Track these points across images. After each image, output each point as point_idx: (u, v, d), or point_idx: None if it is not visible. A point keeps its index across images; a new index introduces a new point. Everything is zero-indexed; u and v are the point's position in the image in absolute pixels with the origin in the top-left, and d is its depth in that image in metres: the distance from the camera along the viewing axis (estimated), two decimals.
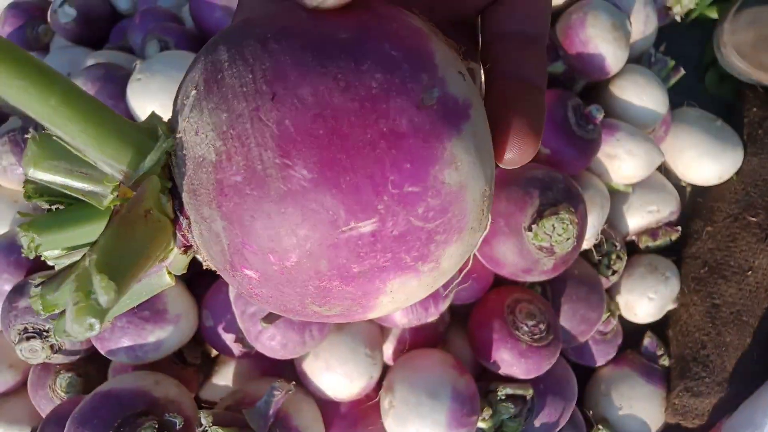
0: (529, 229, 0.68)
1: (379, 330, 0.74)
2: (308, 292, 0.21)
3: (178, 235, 0.23)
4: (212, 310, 0.68)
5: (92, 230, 0.22)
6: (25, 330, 0.67)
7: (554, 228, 0.67)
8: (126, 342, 0.64)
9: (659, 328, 0.98)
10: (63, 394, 0.71)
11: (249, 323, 0.62)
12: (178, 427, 0.60)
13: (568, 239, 0.67)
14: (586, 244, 0.83)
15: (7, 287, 0.73)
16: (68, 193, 0.22)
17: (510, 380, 0.77)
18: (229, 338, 0.69)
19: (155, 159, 0.22)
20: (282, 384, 0.64)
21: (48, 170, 0.21)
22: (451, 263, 0.23)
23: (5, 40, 0.18)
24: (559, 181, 0.71)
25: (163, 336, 0.65)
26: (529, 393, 0.76)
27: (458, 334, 0.83)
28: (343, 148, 0.19)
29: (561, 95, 0.80)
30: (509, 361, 0.74)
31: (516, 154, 0.24)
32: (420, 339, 0.78)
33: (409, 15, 0.24)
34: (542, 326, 0.76)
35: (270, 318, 0.58)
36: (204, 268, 0.25)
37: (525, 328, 0.75)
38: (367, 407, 0.74)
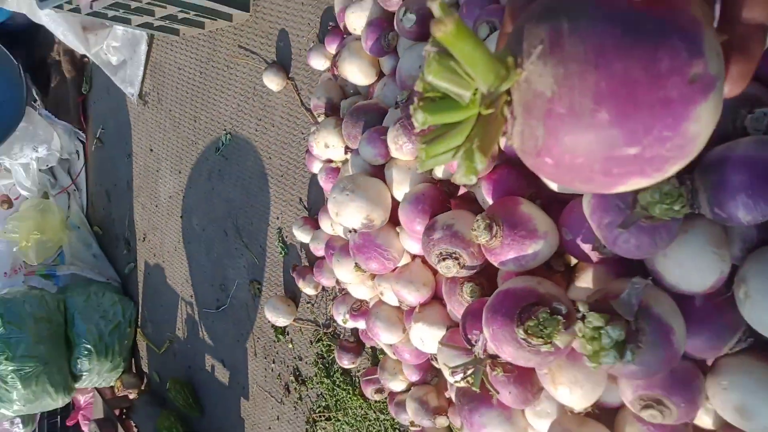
0: None
1: (723, 230, 0.82)
2: (579, 177, 0.34)
3: (505, 126, 0.36)
4: (569, 226, 0.87)
5: (456, 115, 0.35)
6: (440, 254, 0.97)
7: None
8: (512, 254, 0.88)
9: None
10: (468, 298, 1.00)
11: (606, 231, 0.78)
12: (563, 312, 0.82)
13: None
14: None
15: (419, 228, 1.04)
16: (445, 92, 0.36)
17: None
18: (586, 247, 0.87)
19: (510, 84, 0.33)
20: (640, 279, 0.80)
21: (441, 78, 0.34)
22: (672, 172, 0.34)
23: (463, 25, 0.31)
24: None
25: (538, 248, 0.87)
26: None
27: None
28: (634, 105, 0.29)
29: None
30: None
31: (728, 92, 0.34)
32: None
33: (691, 3, 0.32)
34: None
35: (625, 223, 0.73)
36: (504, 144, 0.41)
37: None
38: (720, 300, 0.84)
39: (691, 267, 0.81)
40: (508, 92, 0.34)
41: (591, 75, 0.29)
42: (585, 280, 0.95)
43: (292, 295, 1.84)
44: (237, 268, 2.04)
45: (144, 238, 2.48)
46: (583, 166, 0.32)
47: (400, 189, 1.13)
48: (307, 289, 1.68)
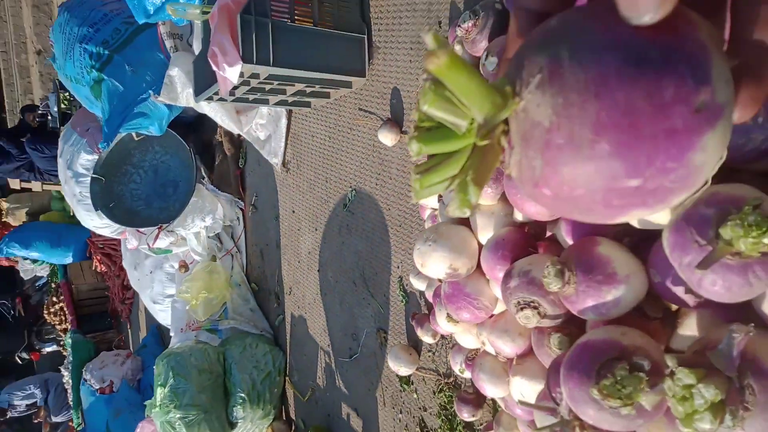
0: None
1: None
2: (578, 208, 0.32)
3: (502, 156, 0.36)
4: (656, 267, 0.77)
5: (452, 145, 0.35)
6: (518, 303, 0.91)
7: None
8: (590, 302, 0.79)
9: None
10: (557, 350, 0.92)
11: (688, 272, 0.68)
12: (646, 368, 0.71)
13: None
14: None
15: (500, 275, 1.00)
16: (441, 121, 0.35)
17: None
18: (679, 290, 0.76)
19: (507, 114, 0.33)
20: (739, 326, 0.67)
21: (435, 108, 0.34)
22: (676, 204, 0.32)
23: (458, 57, 0.32)
24: None
25: (618, 294, 0.78)
26: None
27: None
28: (635, 136, 0.28)
29: None
30: None
31: (739, 117, 0.32)
32: None
33: (698, 28, 0.30)
34: None
35: (704, 263, 0.63)
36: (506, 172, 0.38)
37: None
38: None
39: None
40: (506, 122, 0.34)
41: (591, 105, 0.29)
42: (689, 327, 0.82)
43: (415, 344, 1.85)
44: (365, 318, 2.12)
45: (290, 292, 2.69)
46: (582, 197, 0.31)
47: (485, 234, 1.10)
48: (426, 338, 1.68)
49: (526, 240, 1.02)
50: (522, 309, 0.91)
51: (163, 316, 3.42)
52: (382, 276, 2.02)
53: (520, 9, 0.39)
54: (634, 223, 0.81)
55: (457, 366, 1.46)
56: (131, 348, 5.06)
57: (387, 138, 1.94)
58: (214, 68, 2.00)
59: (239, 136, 3.12)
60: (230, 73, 1.98)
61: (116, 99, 2.95)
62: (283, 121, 2.66)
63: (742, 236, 0.62)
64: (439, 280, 1.13)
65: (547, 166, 0.31)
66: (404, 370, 1.77)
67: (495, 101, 0.32)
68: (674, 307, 0.85)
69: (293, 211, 2.65)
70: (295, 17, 2.10)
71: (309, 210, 2.50)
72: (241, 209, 3.17)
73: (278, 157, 2.70)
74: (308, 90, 2.24)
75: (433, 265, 1.10)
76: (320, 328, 2.44)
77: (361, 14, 2.19)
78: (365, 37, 2.16)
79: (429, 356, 1.77)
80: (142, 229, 3.15)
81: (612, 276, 0.79)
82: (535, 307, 0.90)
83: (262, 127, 2.77)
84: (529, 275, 0.90)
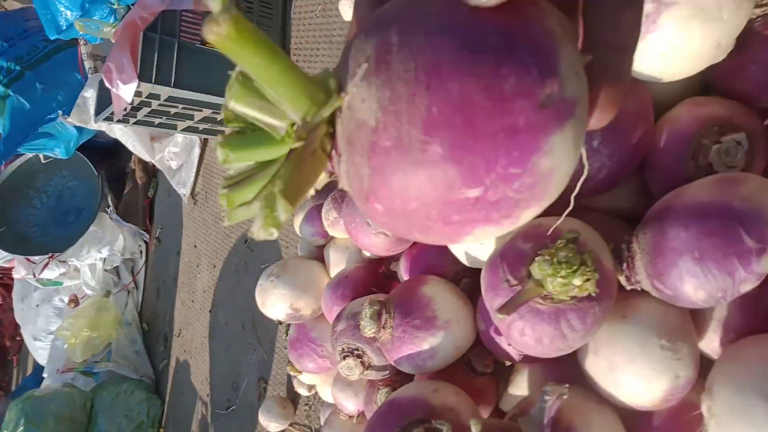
0: None
1: (682, 314, 0.58)
2: (416, 226, 0.27)
3: (329, 165, 0.30)
4: (481, 313, 0.67)
5: (268, 152, 0.29)
6: (342, 351, 0.79)
7: None
8: (405, 350, 0.68)
9: None
10: None
11: (497, 318, 0.58)
12: None
13: None
14: None
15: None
16: (255, 123, 0.30)
17: None
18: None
19: (328, 112, 0.28)
20: (554, 388, 0.57)
21: (244, 105, 0.28)
22: (528, 219, 0.28)
23: (251, 23, 0.25)
24: None
25: (436, 342, 0.67)
26: None
27: None
28: (471, 135, 0.24)
29: None
30: None
31: (596, 122, 0.29)
32: (759, 323, 0.57)
33: (546, 13, 0.27)
34: None
35: (507, 307, 0.53)
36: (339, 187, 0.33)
37: None
38: (690, 418, 0.58)
39: (629, 370, 0.57)
40: (332, 123, 0.29)
41: (421, 98, 0.25)
42: (519, 386, 0.72)
43: (295, 396, 1.69)
44: (249, 365, 1.95)
45: (179, 334, 2.49)
46: (417, 212, 0.27)
47: (336, 271, 0.98)
48: (301, 389, 1.52)
49: (374, 278, 0.91)
50: (345, 357, 0.78)
51: (43, 354, 3.09)
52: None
53: None
54: (463, 260, 0.72)
55: (323, 422, 1.31)
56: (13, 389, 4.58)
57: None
58: (107, 85, 1.88)
59: (153, 164, 2.98)
60: (124, 91, 1.87)
61: (20, 117, 2.78)
62: (197, 150, 2.54)
63: (551, 275, 0.53)
64: (280, 322, 1.00)
65: (375, 175, 0.27)
66: (274, 426, 1.60)
67: (315, 97, 0.27)
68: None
69: (195, 246, 2.48)
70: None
71: (210, 245, 2.35)
72: (145, 242, 2.96)
73: (187, 188, 2.56)
74: (219, 117, 2.15)
75: (273, 304, 0.97)
76: (202, 376, 2.24)
77: (282, 43, 2.14)
78: None
79: (305, 410, 1.61)
80: (33, 258, 2.89)
81: (431, 320, 0.68)
82: (359, 356, 0.78)
83: (175, 156, 2.64)
84: (357, 318, 0.79)
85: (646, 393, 0.56)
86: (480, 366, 0.73)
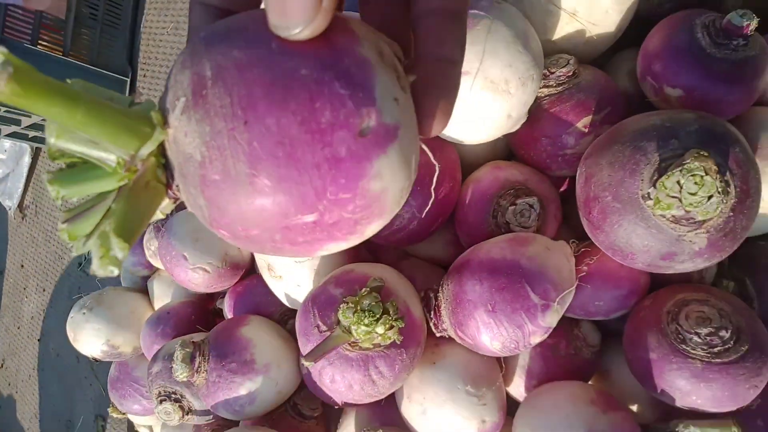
0: (647, 197, 0.49)
1: (488, 361, 0.59)
2: (266, 249, 0.28)
3: (170, 192, 0.29)
4: (303, 353, 0.64)
5: (101, 185, 0.28)
6: (159, 394, 0.72)
7: (681, 185, 0.46)
8: (221, 396, 0.63)
9: None
10: None
11: (306, 366, 0.55)
12: None
13: (709, 197, 0.46)
14: None
15: None
16: (82, 157, 0.28)
17: (700, 416, 0.53)
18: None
19: (152, 147, 0.27)
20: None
21: (67, 141, 0.26)
22: (375, 231, 0.29)
23: (38, 74, 0.23)
24: (688, 123, 0.50)
25: (254, 387, 0.63)
26: None
27: (622, 360, 0.62)
28: (296, 168, 0.25)
29: (684, 17, 0.59)
30: (683, 388, 0.52)
31: (426, 132, 0.30)
32: (557, 370, 0.60)
33: (360, 42, 0.27)
34: (725, 333, 0.52)
35: (313, 354, 0.50)
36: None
37: (696, 339, 0.52)
38: None
39: (439, 414, 0.57)
40: (164, 153, 0.28)
41: (241, 134, 0.25)
42: (347, 429, 0.69)
43: None
44: (85, 402, 1.75)
45: (2, 365, 2.18)
46: (261, 237, 0.27)
47: (161, 305, 0.90)
48: (142, 429, 1.39)
49: (201, 315, 0.84)
50: (161, 402, 0.71)
51: None
52: None
53: (195, 2, 0.33)
54: (284, 300, 0.69)
55: None
56: None
57: None
58: None
59: None
60: None
61: None
62: (27, 159, 2.26)
63: (355, 323, 0.51)
64: (95, 359, 0.89)
65: (212, 206, 0.27)
66: None
67: (138, 131, 0.27)
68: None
69: (22, 266, 2.20)
70: (39, 41, 1.82)
71: (40, 266, 2.09)
72: None
73: (14, 200, 2.27)
74: None
75: (85, 339, 0.86)
76: (31, 413, 1.98)
77: (129, 56, 1.98)
78: (128, 80, 1.95)
79: None
80: None
81: (248, 364, 0.63)
82: (176, 400, 0.71)
83: (0, 163, 2.33)
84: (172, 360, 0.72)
85: None
86: (307, 410, 0.70)
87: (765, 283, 0.58)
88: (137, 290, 0.94)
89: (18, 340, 2.15)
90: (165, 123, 0.27)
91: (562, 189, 0.71)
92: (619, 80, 0.70)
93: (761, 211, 0.58)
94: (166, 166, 0.28)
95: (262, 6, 0.28)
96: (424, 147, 0.40)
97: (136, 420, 1.09)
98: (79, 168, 0.29)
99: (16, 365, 2.12)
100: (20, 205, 2.29)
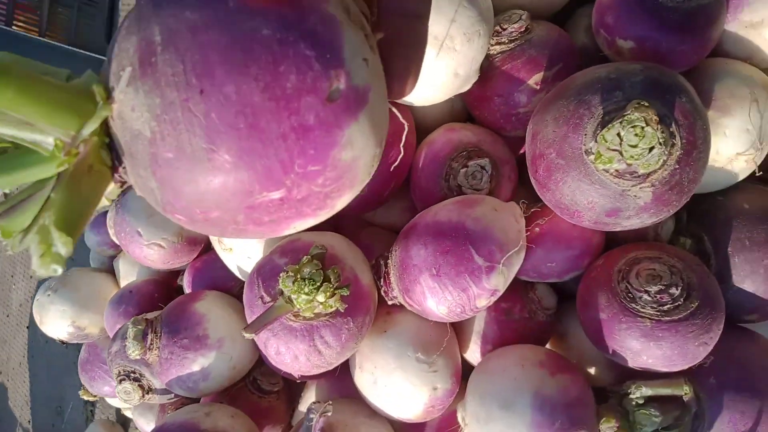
0: (590, 152, 0.47)
1: (439, 327, 0.58)
2: (227, 231, 0.26)
3: (116, 176, 0.27)
4: None
5: (38, 172, 0.26)
6: (119, 374, 0.71)
7: (621, 138, 0.45)
8: (174, 372, 0.62)
9: None
10: None
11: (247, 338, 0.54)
12: None
13: (650, 149, 0.44)
14: (743, 157, 0.55)
15: None
16: (14, 141, 0.26)
17: (655, 376, 0.52)
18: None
19: (95, 125, 0.25)
20: (317, 405, 0.55)
21: None
22: (345, 204, 0.28)
23: None
24: (633, 74, 0.48)
25: (207, 363, 0.62)
26: (683, 392, 0.51)
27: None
28: (259, 139, 0.22)
29: None
30: (634, 348, 0.51)
31: (396, 94, 0.29)
32: (511, 334, 0.59)
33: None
34: (674, 291, 0.50)
35: (253, 326, 0.49)
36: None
37: (646, 298, 0.51)
38: (457, 428, 0.58)
39: (390, 383, 0.56)
40: (107, 132, 0.26)
41: (196, 104, 0.22)
42: (308, 402, 0.69)
43: (125, 420, 1.56)
44: (74, 387, 1.75)
45: None
46: (222, 219, 0.25)
47: (126, 283, 0.89)
48: (129, 412, 1.40)
49: (164, 293, 0.83)
50: (121, 381, 0.70)
51: None
52: None
53: None
54: (237, 274, 0.67)
55: None
56: None
57: None
58: None
59: None
60: None
61: None
62: None
63: (295, 291, 0.50)
64: (63, 342, 0.88)
65: (165, 188, 0.25)
66: None
67: (79, 108, 0.24)
68: None
69: (8, 252, 2.19)
70: (14, 22, 1.78)
71: (25, 252, 2.08)
72: None
73: None
74: None
75: (51, 321, 0.86)
76: (22, 400, 1.99)
77: (108, 35, 1.94)
78: None
79: None
80: None
81: (200, 339, 0.62)
82: (136, 379, 0.70)
83: None
84: None
85: (407, 406, 0.55)
86: (267, 384, 0.69)
87: (722, 239, 0.57)
88: (104, 270, 0.93)
89: (7, 328, 2.15)
90: (108, 97, 0.25)
91: (521, 151, 0.70)
92: (577, 36, 0.67)
93: (718, 165, 0.56)
94: (111, 147, 0.26)
95: None
96: (393, 109, 0.38)
97: (112, 402, 1.09)
98: (11, 154, 0.26)
99: (6, 353, 2.13)
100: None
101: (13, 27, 1.80)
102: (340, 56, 0.24)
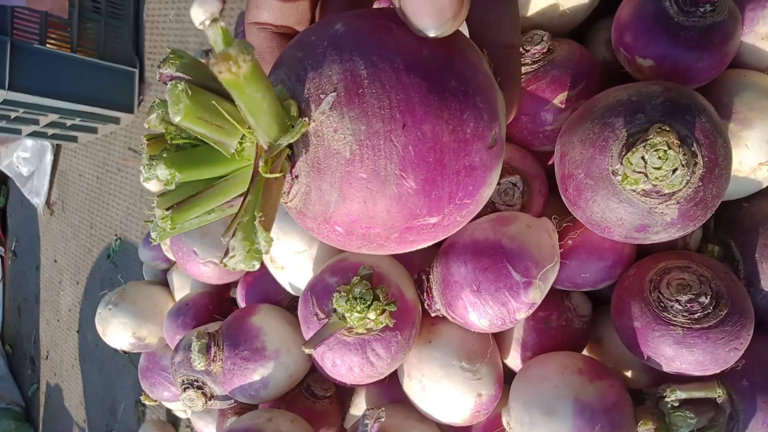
0: (616, 173, 0.50)
1: (481, 336, 0.62)
2: (370, 245, 0.29)
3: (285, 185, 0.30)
4: None
5: (217, 169, 0.29)
6: (182, 382, 0.77)
7: (646, 161, 0.48)
8: (237, 382, 0.68)
9: None
10: None
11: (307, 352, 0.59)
12: None
13: (674, 170, 0.47)
14: (765, 167, 0.57)
15: None
16: (200, 138, 0.28)
17: (689, 380, 0.56)
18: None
19: (294, 138, 0.27)
20: (372, 412, 0.59)
21: (193, 121, 0.26)
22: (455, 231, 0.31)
23: (260, 66, 0.24)
24: (654, 96, 0.51)
25: (266, 373, 0.67)
26: (717, 394, 0.54)
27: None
28: (441, 173, 0.26)
29: None
30: (667, 354, 0.54)
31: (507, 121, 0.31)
32: (549, 341, 0.63)
33: (482, 57, 0.29)
34: (704, 299, 0.54)
35: (311, 341, 0.54)
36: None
37: (677, 307, 0.54)
38: (502, 431, 0.62)
39: (437, 390, 0.60)
40: (290, 145, 0.28)
41: (398, 137, 0.26)
42: (359, 406, 0.74)
43: (175, 420, 1.63)
44: (125, 388, 1.85)
45: (47, 356, 2.30)
46: (378, 235, 0.28)
47: (181, 296, 0.95)
48: (180, 412, 1.47)
49: (218, 305, 0.89)
50: (185, 390, 0.76)
51: None
52: None
53: (250, 24, 0.33)
54: (289, 290, 0.72)
55: None
56: None
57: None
58: None
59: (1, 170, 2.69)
60: None
61: None
62: (49, 156, 2.32)
63: (348, 310, 0.54)
64: (125, 352, 0.95)
65: (345, 201, 0.27)
66: None
67: (282, 122, 0.27)
68: None
69: (56, 261, 2.29)
70: (48, 40, 1.86)
71: (72, 260, 2.18)
72: (1, 256, 2.69)
73: (40, 197, 2.35)
74: (68, 122, 1.98)
75: (113, 333, 0.92)
76: (77, 400, 2.09)
77: (135, 46, 2.00)
78: (137, 71, 1.98)
79: None
80: None
81: (260, 351, 0.68)
82: (199, 387, 0.76)
83: (25, 162, 2.40)
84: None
85: (454, 411, 0.60)
86: (320, 390, 0.74)
87: (749, 245, 0.60)
88: (158, 283, 0.99)
89: (59, 332, 2.25)
90: (302, 115, 0.27)
91: (549, 163, 0.73)
92: (598, 50, 0.70)
93: (741, 174, 0.59)
94: (290, 157, 0.29)
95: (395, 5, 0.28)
96: None
97: (170, 406, 1.16)
98: (193, 152, 0.29)
99: (59, 356, 2.24)
100: (47, 202, 2.37)
101: (46, 45, 1.88)
102: (496, 110, 0.28)
